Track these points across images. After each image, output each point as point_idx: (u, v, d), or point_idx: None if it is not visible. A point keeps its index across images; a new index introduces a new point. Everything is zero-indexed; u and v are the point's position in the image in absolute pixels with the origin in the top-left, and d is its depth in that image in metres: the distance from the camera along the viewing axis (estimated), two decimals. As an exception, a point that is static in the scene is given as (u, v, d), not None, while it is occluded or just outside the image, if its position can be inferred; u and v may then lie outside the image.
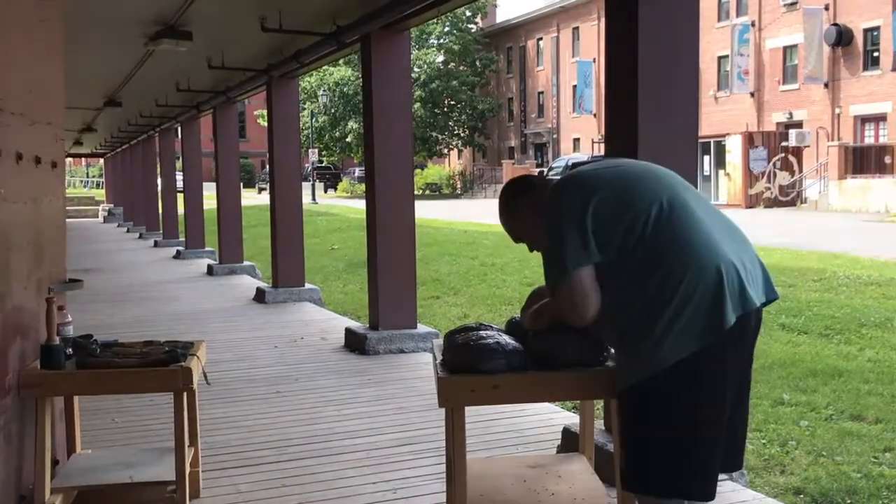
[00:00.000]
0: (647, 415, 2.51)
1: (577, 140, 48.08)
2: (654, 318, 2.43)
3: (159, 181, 20.86)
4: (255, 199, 35.37)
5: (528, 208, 2.79)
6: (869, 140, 33.04)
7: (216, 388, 5.47)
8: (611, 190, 2.57)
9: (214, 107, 13.47)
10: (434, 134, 50.49)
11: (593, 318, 2.55)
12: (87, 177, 69.53)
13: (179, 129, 17.15)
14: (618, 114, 4.27)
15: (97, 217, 34.01)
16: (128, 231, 25.18)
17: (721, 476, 3.89)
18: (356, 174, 50.59)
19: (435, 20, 39.97)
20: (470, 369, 2.85)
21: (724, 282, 2.42)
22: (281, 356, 7.18)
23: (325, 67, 41.37)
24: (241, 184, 14.56)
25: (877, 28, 32.66)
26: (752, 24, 37.16)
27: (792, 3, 35.27)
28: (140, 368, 3.44)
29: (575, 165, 2.97)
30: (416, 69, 46.68)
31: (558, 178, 2.78)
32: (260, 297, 10.35)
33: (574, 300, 2.53)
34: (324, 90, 46.33)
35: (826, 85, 34.41)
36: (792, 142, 30.80)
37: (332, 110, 48.54)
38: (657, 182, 2.62)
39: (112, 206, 33.73)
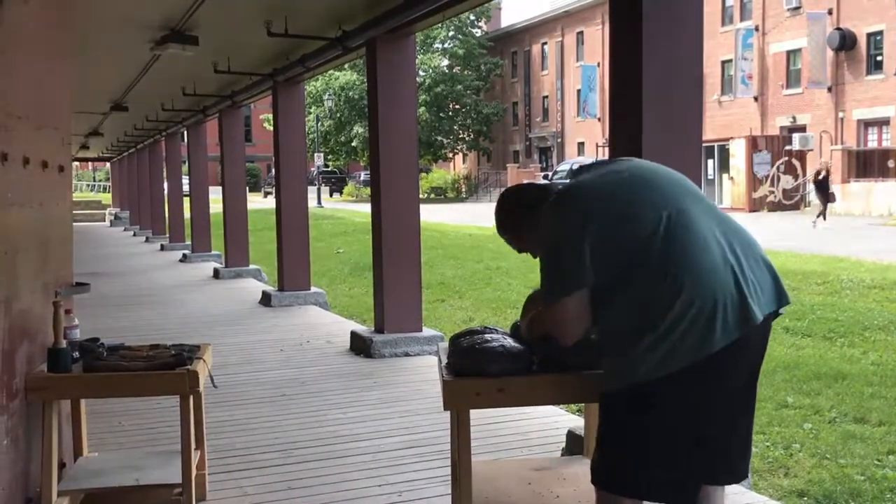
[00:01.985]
0: (619, 418, 2.52)
1: (581, 144, 48.08)
2: (640, 336, 2.40)
3: (166, 185, 20.90)
4: (260, 202, 35.42)
5: (532, 227, 2.72)
6: (872, 144, 33.05)
7: (222, 392, 5.49)
8: (611, 205, 2.49)
9: (220, 111, 13.50)
10: (439, 138, 50.49)
11: (575, 341, 2.58)
12: (94, 180, 69.72)
13: (185, 133, 17.22)
14: (622, 118, 4.28)
15: (104, 221, 34.05)
16: (134, 235, 25.21)
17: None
18: (361, 178, 50.65)
19: (439, 25, 40.04)
20: (475, 372, 2.87)
21: (718, 310, 2.36)
22: (287, 359, 7.19)
23: (330, 72, 41.40)
24: (247, 188, 14.59)
25: (880, 32, 32.64)
26: (756, 29, 37.15)
27: (795, 8, 35.26)
28: (146, 372, 3.46)
29: (580, 169, 2.90)
30: (420, 73, 46.75)
31: (560, 186, 2.71)
32: (266, 300, 10.37)
33: (560, 324, 2.56)
34: (329, 94, 46.37)
35: (829, 89, 34.39)
36: (795, 146, 30.77)
37: (338, 114, 48.58)
38: (661, 193, 2.52)
39: (119, 209, 33.76)
